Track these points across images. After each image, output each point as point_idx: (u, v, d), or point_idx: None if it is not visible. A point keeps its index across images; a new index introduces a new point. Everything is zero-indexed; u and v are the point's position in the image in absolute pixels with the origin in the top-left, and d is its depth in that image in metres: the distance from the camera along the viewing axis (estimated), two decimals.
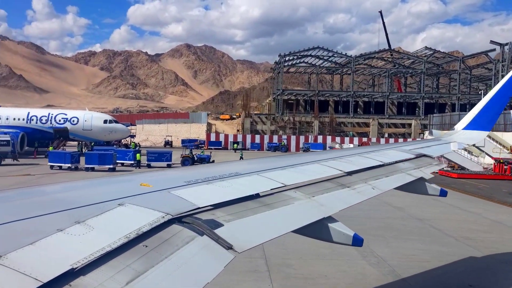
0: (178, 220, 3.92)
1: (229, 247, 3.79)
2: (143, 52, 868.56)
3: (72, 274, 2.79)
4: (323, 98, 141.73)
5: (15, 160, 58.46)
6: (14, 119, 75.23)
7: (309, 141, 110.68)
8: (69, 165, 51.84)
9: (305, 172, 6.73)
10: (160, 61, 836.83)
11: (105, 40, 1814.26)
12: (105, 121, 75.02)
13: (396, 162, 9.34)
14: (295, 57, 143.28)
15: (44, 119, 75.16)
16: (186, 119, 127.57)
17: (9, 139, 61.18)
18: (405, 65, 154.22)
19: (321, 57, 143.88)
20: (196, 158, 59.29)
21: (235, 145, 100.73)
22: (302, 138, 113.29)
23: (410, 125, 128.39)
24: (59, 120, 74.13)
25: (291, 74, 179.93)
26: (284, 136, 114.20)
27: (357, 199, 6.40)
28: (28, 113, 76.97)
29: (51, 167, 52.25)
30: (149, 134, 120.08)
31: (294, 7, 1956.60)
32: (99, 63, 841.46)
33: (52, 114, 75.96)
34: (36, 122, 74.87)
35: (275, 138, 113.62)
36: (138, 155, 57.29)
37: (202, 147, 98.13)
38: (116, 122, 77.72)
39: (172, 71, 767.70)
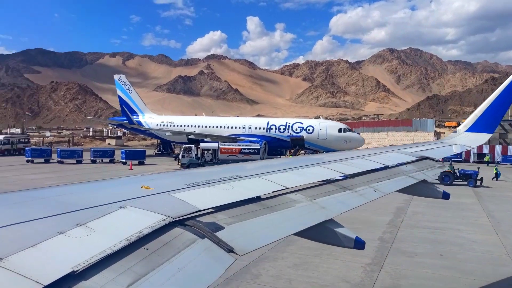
0: (179, 222, 3.92)
1: (230, 250, 3.79)
2: (343, 61, 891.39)
3: (73, 277, 2.79)
4: None
5: None
6: (256, 128, 76.65)
7: None
8: None
9: (306, 175, 6.72)
10: (361, 68, 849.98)
11: (308, 52, 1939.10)
12: (339, 130, 71.90)
13: (399, 164, 9.32)
14: None
15: (282, 128, 75.20)
16: (408, 127, 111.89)
17: (259, 147, 62.05)
18: None
19: None
20: (458, 174, 49.07)
21: (487, 157, 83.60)
22: None
23: None
24: (296, 129, 73.51)
25: None
26: None
27: (358, 201, 6.39)
28: (268, 122, 77.84)
29: None
30: (368, 143, 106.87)
31: None
32: (302, 74, 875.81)
33: (289, 123, 75.55)
34: (275, 131, 75.20)
35: None
36: None
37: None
38: (350, 130, 74.11)
39: (373, 77, 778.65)
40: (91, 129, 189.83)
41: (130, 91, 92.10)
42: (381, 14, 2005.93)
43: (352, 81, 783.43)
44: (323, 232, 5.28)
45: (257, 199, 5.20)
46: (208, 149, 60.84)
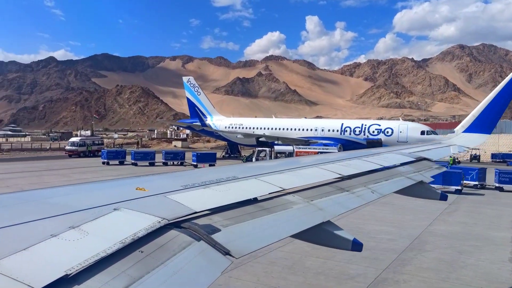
0: (174, 225, 3.88)
1: (226, 252, 3.75)
2: (408, 59, 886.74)
3: (66, 280, 2.75)
4: None
5: None
6: (329, 130, 74.06)
7: None
8: None
9: (303, 176, 6.69)
10: (428, 67, 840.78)
11: (370, 50, 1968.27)
12: (422, 132, 67.12)
13: (396, 165, 9.30)
14: None
15: (357, 130, 72.16)
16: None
17: (336, 151, 57.07)
18: None
19: None
20: None
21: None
22: None
23: None
24: (373, 131, 70.19)
25: None
26: None
27: (356, 203, 6.36)
28: (342, 124, 74.99)
29: None
30: None
31: None
32: (363, 74, 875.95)
33: (365, 125, 72.41)
34: (350, 133, 72.36)
35: None
36: None
37: None
38: (434, 133, 68.67)
39: (441, 76, 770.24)
40: (155, 131, 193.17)
41: (199, 93, 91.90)
42: (450, 8, 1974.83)
43: (418, 80, 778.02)
44: (320, 234, 5.24)
45: (254, 200, 5.16)
46: (283, 152, 59.19)
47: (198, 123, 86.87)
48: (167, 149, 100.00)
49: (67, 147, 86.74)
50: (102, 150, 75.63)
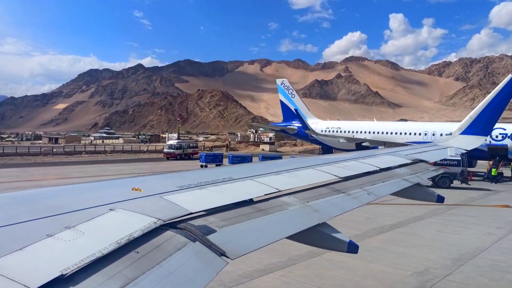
0: (170, 225, 3.88)
1: (221, 253, 3.75)
2: (507, 56, 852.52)
3: (61, 280, 2.76)
4: None
5: (464, 183, 49.09)
6: (441, 134, 63.13)
7: None
8: None
9: (300, 177, 6.69)
10: None
11: (462, 48, 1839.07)
12: None
13: (393, 167, 9.31)
14: None
15: None
16: None
17: (459, 158, 50.02)
18: None
19: None
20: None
21: None
22: None
23: None
24: (496, 136, 59.79)
25: None
26: None
27: (352, 205, 6.37)
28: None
29: None
30: None
31: None
32: (454, 73, 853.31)
33: None
34: None
35: None
36: None
37: None
38: None
39: None
40: (239, 135, 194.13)
41: (293, 96, 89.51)
42: None
43: None
44: (316, 236, 5.25)
45: (250, 202, 5.17)
46: None
47: (292, 126, 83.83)
48: (263, 153, 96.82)
49: (165, 150, 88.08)
50: (200, 153, 75.83)
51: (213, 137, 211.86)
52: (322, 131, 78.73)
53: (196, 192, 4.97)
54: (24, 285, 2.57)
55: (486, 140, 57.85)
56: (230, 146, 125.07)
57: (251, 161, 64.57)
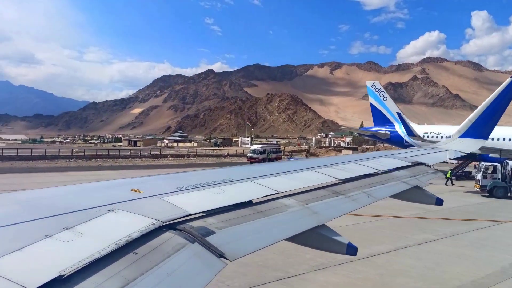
0: (169, 227, 3.88)
1: (220, 255, 3.75)
2: None
3: (60, 281, 2.75)
4: None
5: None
6: None
7: None
8: None
9: (299, 179, 6.69)
10: None
11: None
12: None
13: (392, 170, 9.30)
14: None
15: None
16: None
17: None
18: None
19: None
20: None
21: None
22: None
23: None
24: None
25: None
26: None
27: (351, 207, 6.36)
28: None
29: None
30: None
31: None
32: None
33: None
34: None
35: None
36: None
37: None
38: None
39: None
40: (313, 139, 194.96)
41: (385, 98, 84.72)
42: None
43: None
44: (315, 238, 5.25)
45: (249, 203, 5.16)
46: None
47: (384, 131, 79.53)
48: None
49: (250, 155, 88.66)
50: (289, 158, 73.73)
51: (283, 141, 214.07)
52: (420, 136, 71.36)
53: (195, 193, 4.97)
54: (22, 286, 2.57)
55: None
56: (310, 151, 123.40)
57: None
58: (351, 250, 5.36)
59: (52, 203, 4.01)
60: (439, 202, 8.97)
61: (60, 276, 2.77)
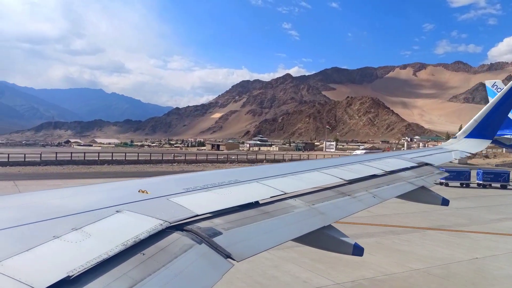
0: (176, 227, 3.89)
1: (227, 255, 3.75)
2: None
3: (68, 281, 2.76)
4: None
5: None
6: None
7: None
8: None
9: (305, 180, 6.69)
10: None
11: None
12: None
13: (398, 170, 9.29)
14: None
15: None
16: None
17: None
18: None
19: None
20: None
21: None
22: None
23: None
24: None
25: None
26: None
27: (357, 207, 6.35)
28: None
29: None
30: None
31: None
32: None
33: None
34: None
35: None
36: None
37: None
38: None
39: None
40: (405, 144, 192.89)
41: None
42: None
43: None
44: (321, 238, 5.24)
45: (256, 204, 5.16)
46: None
47: (510, 136, 70.52)
48: (487, 168, 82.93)
49: None
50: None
51: (366, 145, 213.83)
52: None
53: (203, 194, 4.97)
54: (31, 286, 2.58)
55: None
56: None
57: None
58: (357, 250, 5.35)
59: (60, 204, 4.02)
60: (445, 202, 8.96)
61: (68, 276, 2.78)
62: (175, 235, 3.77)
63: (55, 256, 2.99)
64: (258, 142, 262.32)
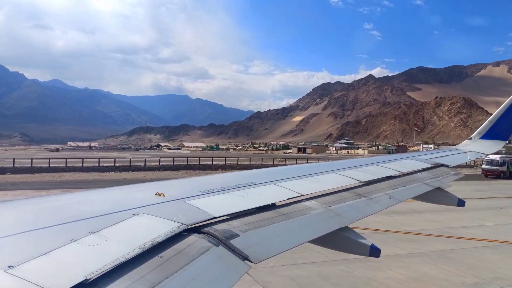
0: (193, 230, 3.88)
1: (244, 257, 3.73)
2: None
3: (85, 285, 2.75)
4: None
5: None
6: None
7: None
8: None
9: (321, 182, 6.66)
10: None
11: None
12: None
13: (414, 171, 9.24)
14: None
15: None
16: None
17: None
18: None
19: None
20: None
21: None
22: None
23: None
24: None
25: None
26: None
27: (374, 209, 6.31)
28: None
29: None
30: None
31: None
32: None
33: None
34: None
35: None
36: None
37: None
38: None
39: None
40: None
41: None
42: None
43: None
44: (338, 240, 5.22)
45: (272, 206, 5.14)
46: None
47: None
48: None
49: (485, 166, 76.19)
50: None
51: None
52: None
53: (219, 196, 4.96)
54: None
55: None
56: None
57: None
58: (374, 251, 5.32)
59: (77, 207, 4.03)
60: (461, 203, 8.89)
61: (86, 280, 2.77)
62: (192, 237, 3.75)
63: (72, 260, 2.98)
64: (345, 145, 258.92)
